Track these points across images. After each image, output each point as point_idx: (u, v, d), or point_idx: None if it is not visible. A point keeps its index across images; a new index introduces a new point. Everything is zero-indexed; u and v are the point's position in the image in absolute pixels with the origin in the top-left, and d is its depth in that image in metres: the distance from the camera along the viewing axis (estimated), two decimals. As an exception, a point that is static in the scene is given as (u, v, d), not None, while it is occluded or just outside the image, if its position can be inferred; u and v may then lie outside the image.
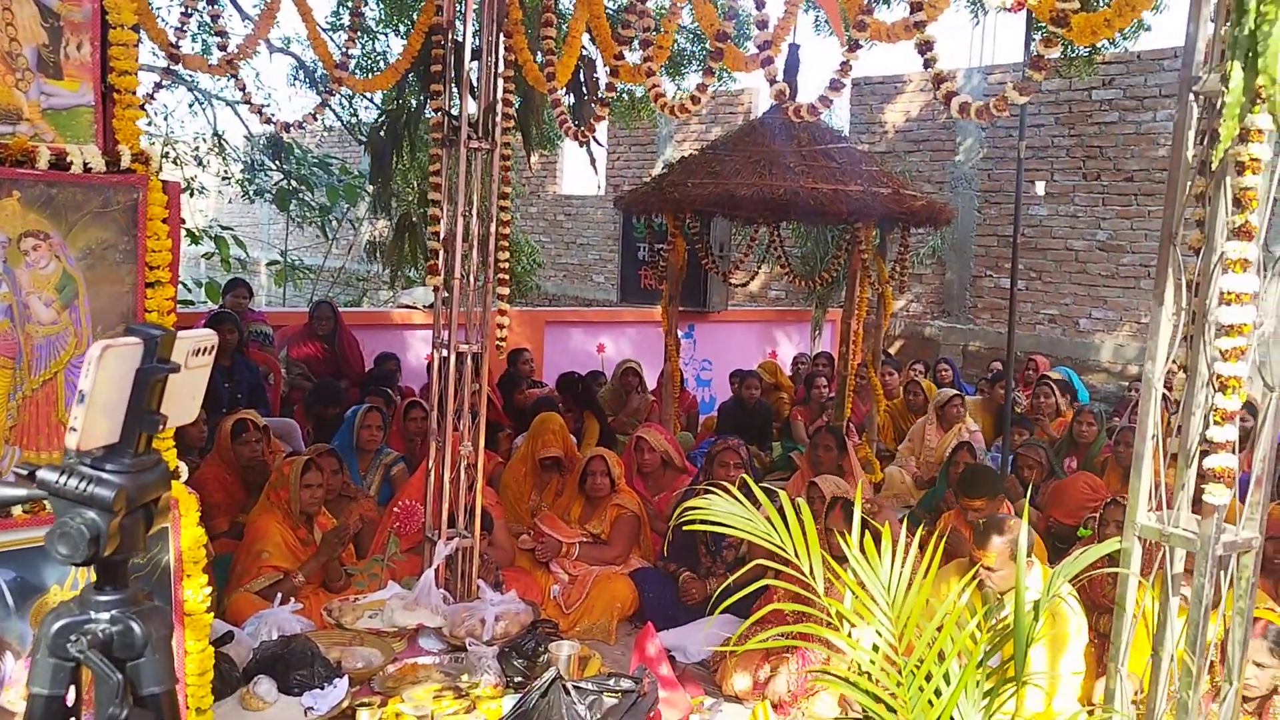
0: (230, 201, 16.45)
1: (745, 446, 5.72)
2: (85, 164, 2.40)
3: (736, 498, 2.49)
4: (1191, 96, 2.25)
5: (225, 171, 12.35)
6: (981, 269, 12.08)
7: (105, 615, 1.23)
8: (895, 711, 2.34)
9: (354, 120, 10.64)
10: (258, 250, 17.09)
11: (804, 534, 2.40)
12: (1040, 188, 11.18)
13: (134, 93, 2.51)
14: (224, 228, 11.11)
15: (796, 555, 2.40)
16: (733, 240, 10.67)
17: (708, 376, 11.06)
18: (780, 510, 2.45)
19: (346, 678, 3.82)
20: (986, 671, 2.35)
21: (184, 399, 1.34)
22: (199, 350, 1.34)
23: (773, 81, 3.41)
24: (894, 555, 2.37)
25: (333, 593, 4.96)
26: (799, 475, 6.62)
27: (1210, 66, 2.25)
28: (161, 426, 1.26)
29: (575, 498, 5.80)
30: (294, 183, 11.02)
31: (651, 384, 8.68)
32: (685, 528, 2.50)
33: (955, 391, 8.01)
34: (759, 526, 2.41)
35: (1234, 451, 2.17)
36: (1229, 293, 2.12)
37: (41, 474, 1.26)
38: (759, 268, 8.54)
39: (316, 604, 4.79)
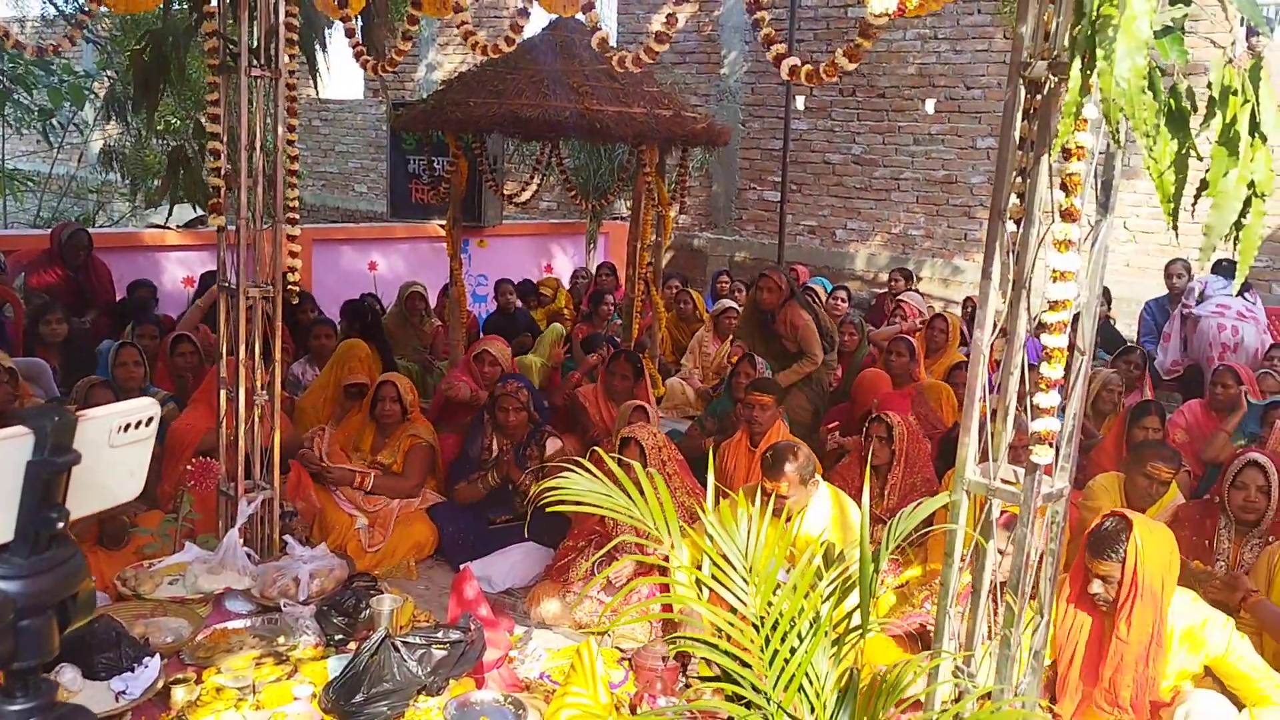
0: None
1: (526, 388, 5.65)
2: None
3: (593, 474, 2.50)
4: (1020, 81, 2.38)
5: (-78, 68, 10.81)
6: (746, 182, 12.44)
7: (19, 728, 1.09)
8: (750, 666, 2.47)
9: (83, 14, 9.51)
10: (-36, 157, 15.19)
11: (661, 507, 2.46)
12: (800, 102, 11.54)
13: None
14: (-76, 133, 9.80)
15: (656, 528, 2.45)
16: (505, 153, 10.45)
17: (483, 292, 10.91)
18: (637, 483, 2.48)
19: (157, 655, 3.59)
20: (833, 622, 2.51)
21: (112, 479, 1.16)
22: (128, 425, 1.17)
23: (595, 29, 3.34)
24: (750, 524, 2.47)
25: (111, 550, 4.63)
26: (592, 396, 6.72)
27: (1035, 50, 2.39)
28: (63, 523, 1.10)
29: (366, 425, 5.61)
30: (8, 82, 9.82)
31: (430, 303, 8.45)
32: (549, 509, 2.50)
33: (731, 303, 8.31)
34: (619, 502, 2.44)
35: (1056, 415, 2.38)
36: (1056, 270, 2.29)
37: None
38: (539, 184, 8.44)
39: (98, 566, 4.45)
